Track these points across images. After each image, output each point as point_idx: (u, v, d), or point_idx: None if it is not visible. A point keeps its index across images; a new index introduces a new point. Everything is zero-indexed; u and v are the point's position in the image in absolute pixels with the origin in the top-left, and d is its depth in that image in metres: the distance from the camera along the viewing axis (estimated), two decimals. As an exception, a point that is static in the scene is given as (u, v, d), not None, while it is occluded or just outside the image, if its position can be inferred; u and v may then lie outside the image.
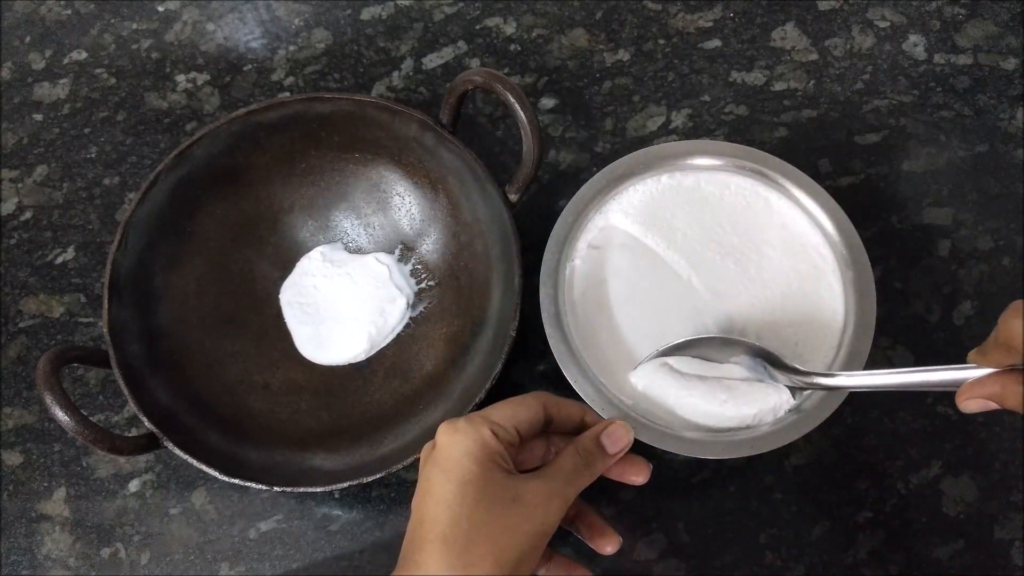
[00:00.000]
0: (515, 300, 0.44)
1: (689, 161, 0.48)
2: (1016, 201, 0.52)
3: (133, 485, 0.49)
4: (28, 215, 0.56)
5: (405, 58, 0.59)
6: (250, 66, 0.59)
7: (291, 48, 0.59)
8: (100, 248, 0.55)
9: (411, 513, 0.36)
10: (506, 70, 0.58)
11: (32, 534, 0.49)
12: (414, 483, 0.48)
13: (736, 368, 0.43)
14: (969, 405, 0.34)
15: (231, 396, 0.48)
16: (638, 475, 0.39)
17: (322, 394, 0.50)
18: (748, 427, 0.42)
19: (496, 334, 0.46)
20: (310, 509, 0.48)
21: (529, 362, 0.50)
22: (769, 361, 0.42)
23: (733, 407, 0.41)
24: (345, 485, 0.43)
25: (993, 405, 0.33)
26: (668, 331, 0.44)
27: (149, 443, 0.43)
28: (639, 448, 0.40)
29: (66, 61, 0.60)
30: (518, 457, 0.38)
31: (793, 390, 0.42)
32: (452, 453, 0.35)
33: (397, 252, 0.52)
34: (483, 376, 0.44)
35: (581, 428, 0.39)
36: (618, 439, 0.38)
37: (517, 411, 0.37)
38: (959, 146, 0.54)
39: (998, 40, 0.56)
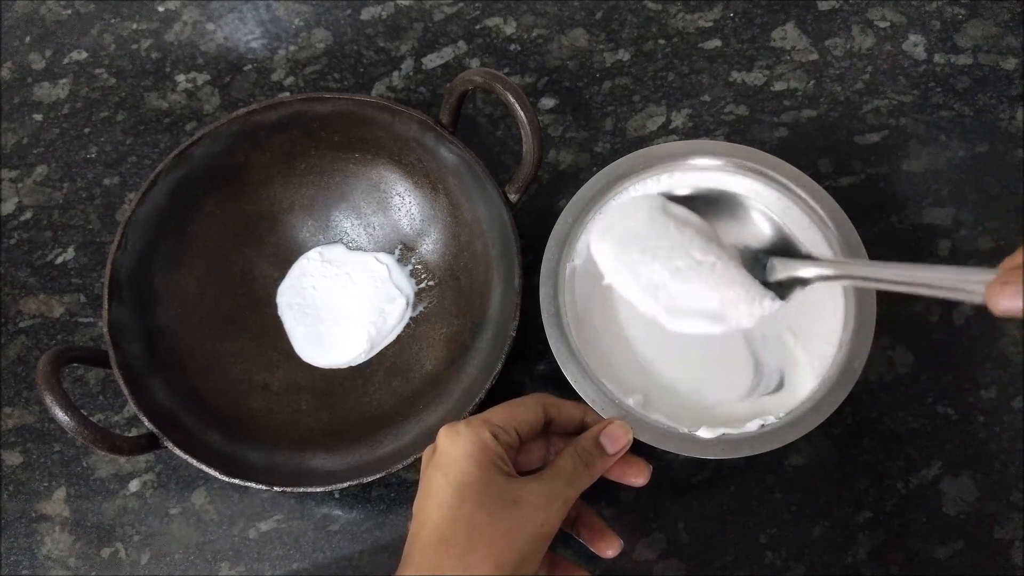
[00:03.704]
0: (515, 300, 0.44)
1: (689, 161, 0.48)
2: (1016, 201, 0.52)
3: (133, 485, 0.49)
4: (28, 215, 0.56)
5: (405, 58, 0.59)
6: (250, 66, 0.59)
7: (291, 48, 0.59)
8: (100, 248, 0.55)
9: (412, 516, 0.36)
10: (506, 70, 0.58)
11: (32, 534, 0.49)
12: (414, 483, 0.48)
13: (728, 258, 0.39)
14: (1004, 297, 0.28)
15: (231, 396, 0.48)
16: (638, 476, 0.39)
17: (322, 394, 0.50)
18: (719, 318, 0.39)
19: (496, 334, 0.46)
20: (310, 509, 0.48)
21: (529, 362, 0.50)
22: (780, 248, 0.39)
23: (695, 278, 0.39)
24: (345, 485, 0.43)
25: None
26: (667, 331, 0.44)
27: (149, 443, 0.43)
28: (639, 448, 0.40)
29: (66, 61, 0.60)
30: (518, 459, 0.38)
31: (785, 290, 0.38)
32: (452, 456, 0.35)
33: (397, 252, 0.52)
34: (483, 376, 0.44)
35: (581, 429, 0.39)
36: (617, 439, 0.38)
37: (517, 413, 0.37)
38: (959, 146, 0.54)
39: (998, 40, 0.56)
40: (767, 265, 0.40)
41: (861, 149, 0.54)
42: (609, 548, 0.39)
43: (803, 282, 0.39)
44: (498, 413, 0.37)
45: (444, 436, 0.36)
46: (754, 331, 0.45)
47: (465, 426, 0.35)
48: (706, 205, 0.42)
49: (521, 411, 0.37)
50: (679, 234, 0.40)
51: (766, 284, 0.40)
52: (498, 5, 0.59)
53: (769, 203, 0.47)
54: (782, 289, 0.40)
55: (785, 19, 0.58)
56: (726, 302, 0.39)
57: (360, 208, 0.53)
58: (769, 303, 0.39)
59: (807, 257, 0.38)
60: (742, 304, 0.39)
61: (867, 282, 0.37)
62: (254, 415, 0.48)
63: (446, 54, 0.58)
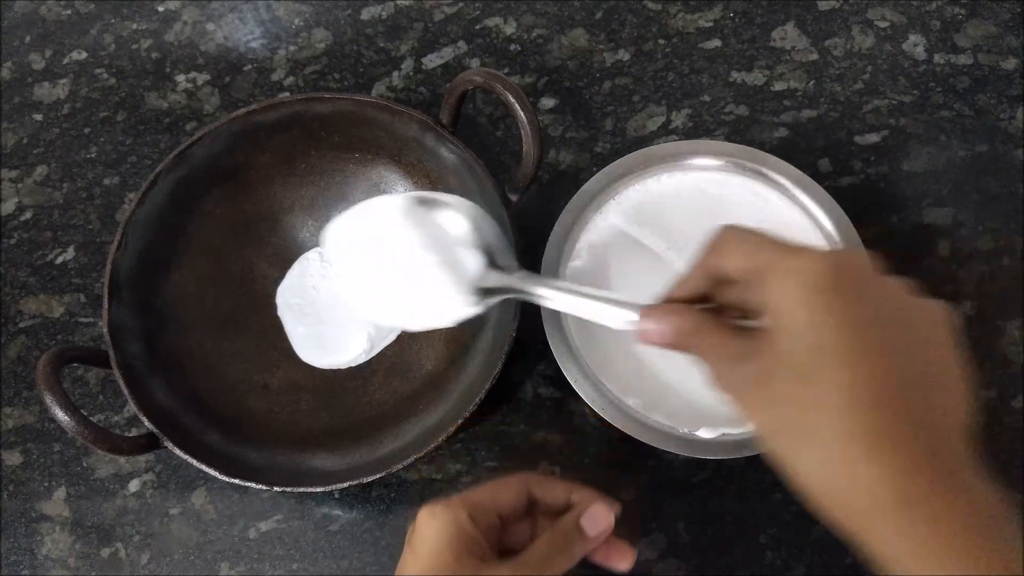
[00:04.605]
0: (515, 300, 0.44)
1: (689, 161, 0.48)
2: (1016, 201, 0.52)
3: (133, 485, 0.49)
4: (28, 215, 0.56)
5: (405, 58, 0.59)
6: (250, 66, 0.59)
7: (291, 48, 0.59)
8: (100, 248, 0.55)
9: None
10: (506, 70, 0.58)
11: (32, 534, 0.49)
12: (414, 483, 0.48)
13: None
14: (642, 330, 0.32)
15: (231, 396, 0.48)
16: (622, 560, 0.38)
17: (322, 394, 0.50)
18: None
19: (496, 334, 0.46)
20: (310, 509, 0.48)
21: (529, 362, 0.50)
22: (489, 257, 0.39)
23: (404, 280, 0.40)
24: (345, 485, 0.43)
25: (666, 334, 0.32)
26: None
27: (149, 443, 0.43)
28: (639, 448, 0.40)
29: (66, 61, 0.60)
30: (504, 538, 0.37)
31: (487, 297, 0.39)
32: (427, 539, 0.35)
33: (397, 252, 0.52)
34: (483, 376, 0.44)
35: (569, 508, 0.38)
36: (598, 521, 0.37)
37: (499, 495, 0.37)
38: (959, 146, 0.54)
39: (998, 40, 0.56)
40: (478, 273, 0.40)
41: (861, 149, 0.54)
42: (622, 561, 0.38)
43: (489, 292, 0.39)
44: (480, 494, 0.37)
45: (422, 517, 0.36)
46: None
47: (444, 508, 0.35)
48: (421, 205, 0.41)
49: (503, 493, 0.37)
50: (410, 233, 0.40)
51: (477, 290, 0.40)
52: (498, 5, 0.59)
53: (769, 202, 0.47)
54: (486, 296, 0.40)
55: (785, 19, 0.58)
56: (429, 301, 0.40)
57: (360, 208, 0.53)
58: (467, 309, 0.39)
59: (501, 269, 0.39)
60: (444, 303, 0.40)
61: (542, 299, 0.38)
62: (254, 415, 0.48)
63: (446, 54, 0.58)
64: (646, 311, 0.33)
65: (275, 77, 0.59)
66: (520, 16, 0.59)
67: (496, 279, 0.39)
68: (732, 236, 0.31)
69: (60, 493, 0.49)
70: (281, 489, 0.43)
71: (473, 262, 0.39)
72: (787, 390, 0.28)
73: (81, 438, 0.40)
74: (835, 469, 0.27)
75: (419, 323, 0.41)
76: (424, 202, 0.41)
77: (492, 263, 0.39)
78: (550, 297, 0.37)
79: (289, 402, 0.49)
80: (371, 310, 0.42)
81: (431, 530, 0.35)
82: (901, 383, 0.27)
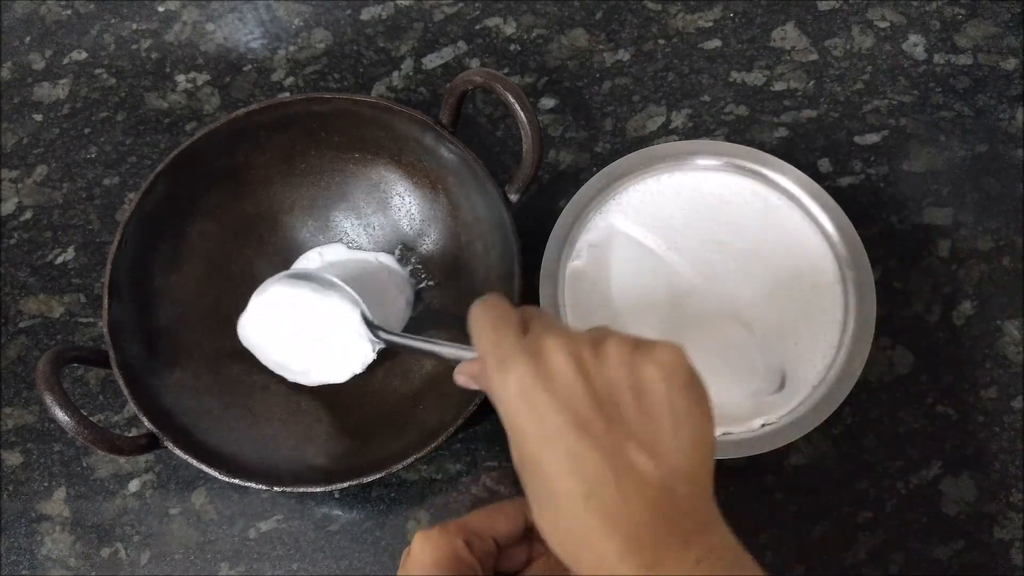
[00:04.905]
0: (515, 300, 0.44)
1: (689, 161, 0.48)
2: (1016, 201, 0.52)
3: (133, 485, 0.49)
4: (28, 215, 0.56)
5: (405, 58, 0.59)
6: (250, 66, 0.59)
7: (291, 48, 0.59)
8: (100, 248, 0.55)
9: None
10: (506, 70, 0.58)
11: (32, 534, 0.49)
12: (414, 483, 0.49)
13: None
14: (458, 379, 0.36)
15: (231, 396, 0.48)
16: None
17: (322, 394, 0.50)
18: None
19: (496, 334, 0.46)
20: (310, 509, 0.48)
21: (529, 362, 0.50)
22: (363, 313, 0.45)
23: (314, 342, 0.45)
24: (345, 485, 0.43)
25: (471, 386, 0.36)
26: (669, 330, 0.44)
27: (149, 443, 0.43)
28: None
29: (66, 61, 0.60)
30: (500, 563, 0.37)
31: (374, 344, 0.45)
32: (421, 563, 0.35)
33: (397, 252, 0.52)
34: (483, 376, 0.44)
35: None
36: None
37: (496, 520, 0.37)
38: (959, 146, 0.54)
39: (998, 40, 0.56)
40: (360, 326, 0.45)
41: (861, 149, 0.54)
42: None
43: (375, 344, 0.45)
44: (476, 519, 0.36)
45: (417, 541, 0.35)
46: (754, 332, 0.45)
47: (439, 533, 0.35)
48: (301, 280, 0.46)
49: (500, 519, 0.37)
50: (306, 304, 0.45)
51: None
52: (498, 5, 0.59)
53: (769, 202, 0.47)
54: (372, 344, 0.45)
55: (785, 19, 0.58)
56: (336, 355, 0.45)
57: (360, 208, 0.53)
58: (367, 357, 0.45)
59: (368, 323, 0.45)
60: (350, 356, 0.45)
61: (406, 349, 0.44)
62: (254, 415, 0.48)
63: (446, 54, 0.59)
64: (460, 366, 0.36)
65: (275, 77, 0.59)
66: (520, 16, 0.59)
67: (369, 333, 0.44)
68: (474, 317, 0.33)
69: (60, 493, 0.49)
70: (281, 489, 0.43)
71: (354, 319, 0.44)
72: (528, 478, 0.31)
73: (81, 438, 0.40)
74: (575, 549, 0.30)
75: (343, 373, 0.46)
76: (298, 277, 0.46)
77: (363, 317, 0.45)
78: (402, 344, 0.43)
79: (289, 402, 0.49)
80: (308, 376, 0.47)
81: (425, 555, 0.35)
82: (615, 468, 0.29)
